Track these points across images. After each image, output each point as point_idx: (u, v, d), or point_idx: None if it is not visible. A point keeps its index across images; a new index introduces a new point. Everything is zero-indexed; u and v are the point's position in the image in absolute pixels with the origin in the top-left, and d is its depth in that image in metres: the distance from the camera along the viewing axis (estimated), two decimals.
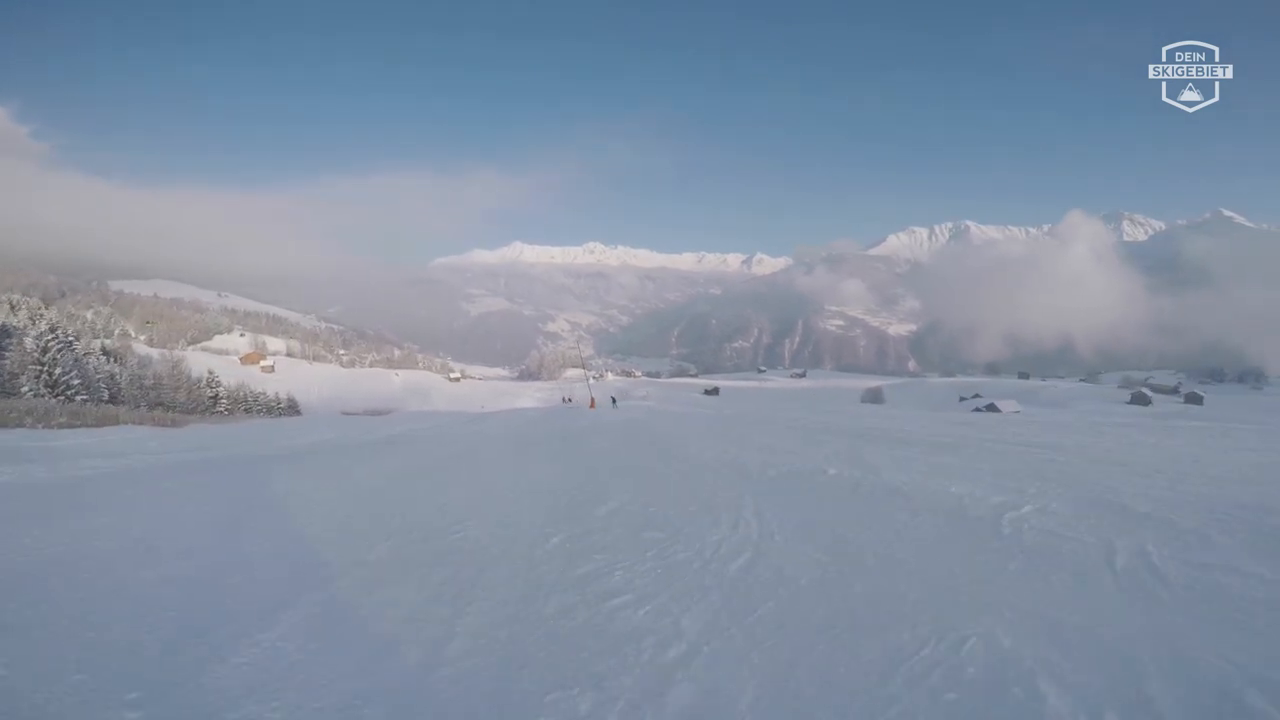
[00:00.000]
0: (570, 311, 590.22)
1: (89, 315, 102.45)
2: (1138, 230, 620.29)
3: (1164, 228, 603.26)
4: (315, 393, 71.44)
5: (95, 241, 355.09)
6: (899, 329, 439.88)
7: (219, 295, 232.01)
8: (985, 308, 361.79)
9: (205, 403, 31.97)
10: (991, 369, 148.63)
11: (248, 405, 37.37)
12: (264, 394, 40.66)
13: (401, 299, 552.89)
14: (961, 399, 61.44)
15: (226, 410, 33.14)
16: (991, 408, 48.58)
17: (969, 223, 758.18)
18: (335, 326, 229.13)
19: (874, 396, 61.21)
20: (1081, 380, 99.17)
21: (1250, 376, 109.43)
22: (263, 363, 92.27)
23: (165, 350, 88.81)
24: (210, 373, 34.97)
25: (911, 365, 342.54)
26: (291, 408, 43.71)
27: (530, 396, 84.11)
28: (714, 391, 77.49)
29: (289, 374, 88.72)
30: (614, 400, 50.23)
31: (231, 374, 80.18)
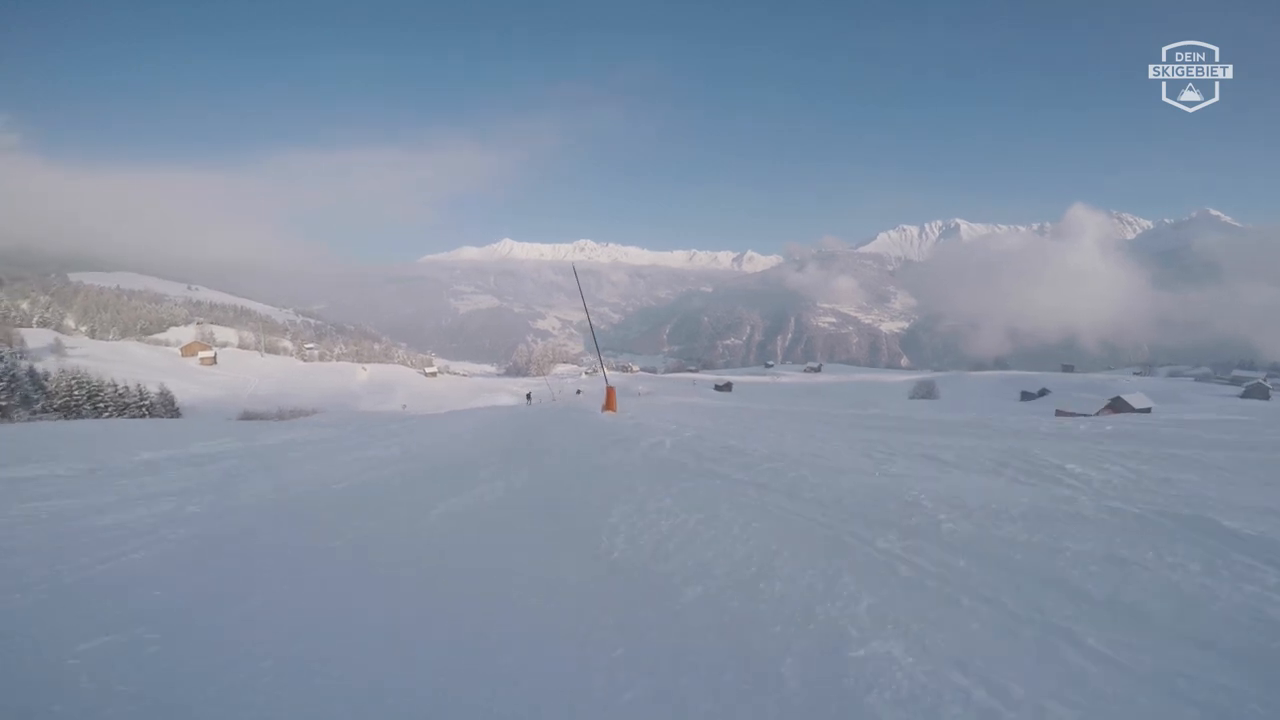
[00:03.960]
0: (560, 309, 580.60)
1: (24, 305, 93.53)
2: (1126, 228, 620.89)
3: (1151, 226, 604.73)
4: (253, 386, 62.67)
5: (63, 233, 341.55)
6: (891, 326, 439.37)
7: (188, 288, 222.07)
8: (984, 303, 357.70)
9: None
10: (1000, 363, 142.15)
11: (71, 400, 28.34)
12: (110, 386, 31.55)
13: (388, 296, 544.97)
14: (1025, 394, 53.37)
15: None
16: (1119, 403, 40.59)
17: (959, 220, 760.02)
18: (311, 321, 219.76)
19: (926, 391, 53.39)
20: (1135, 373, 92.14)
21: None
22: (202, 354, 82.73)
23: (102, 341, 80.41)
24: None
25: (904, 361, 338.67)
26: (166, 405, 34.62)
27: (509, 393, 75.63)
28: (726, 387, 69.10)
29: (233, 366, 79.76)
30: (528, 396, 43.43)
31: (168, 367, 71.43)
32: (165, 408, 33.94)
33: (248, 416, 34.40)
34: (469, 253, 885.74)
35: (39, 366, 31.24)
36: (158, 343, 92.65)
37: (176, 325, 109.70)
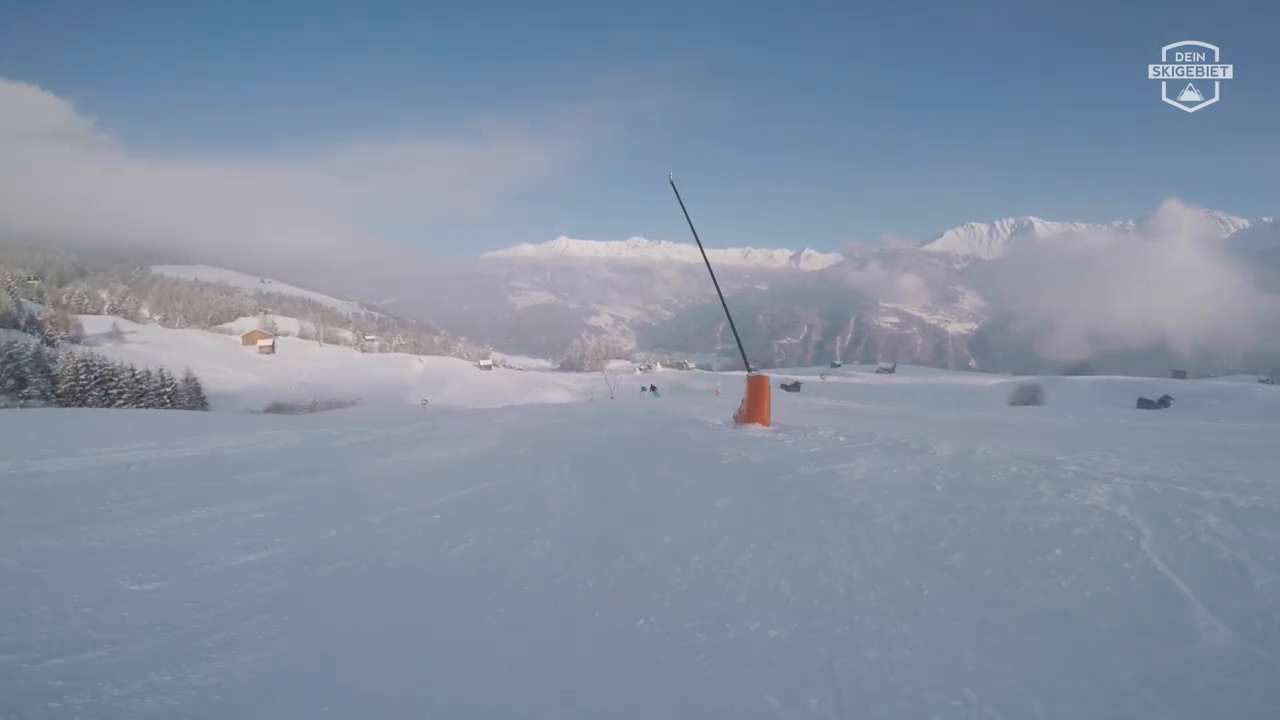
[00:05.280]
0: (614, 305, 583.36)
1: (104, 294, 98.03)
2: (1220, 228, 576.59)
3: (1248, 225, 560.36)
4: (305, 375, 62.46)
5: (147, 227, 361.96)
6: (958, 327, 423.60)
7: (261, 281, 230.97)
8: (1063, 304, 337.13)
9: None
10: (1084, 367, 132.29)
11: (77, 386, 26.64)
12: (128, 372, 29.98)
13: (451, 292, 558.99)
14: (1143, 402, 47.19)
15: None
16: None
17: (1033, 218, 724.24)
18: (375, 314, 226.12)
19: (1030, 397, 47.96)
20: (1262, 380, 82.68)
21: None
22: (261, 342, 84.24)
23: (169, 329, 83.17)
24: None
25: (972, 364, 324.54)
26: (191, 393, 33.02)
27: (563, 389, 73.60)
28: (794, 387, 64.85)
29: (291, 355, 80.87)
30: (653, 388, 34.31)
31: (227, 354, 72.67)
32: (190, 396, 32.65)
33: (277, 408, 32.95)
34: (526, 250, 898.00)
35: (61, 351, 30.67)
36: (225, 332, 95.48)
37: (245, 316, 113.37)
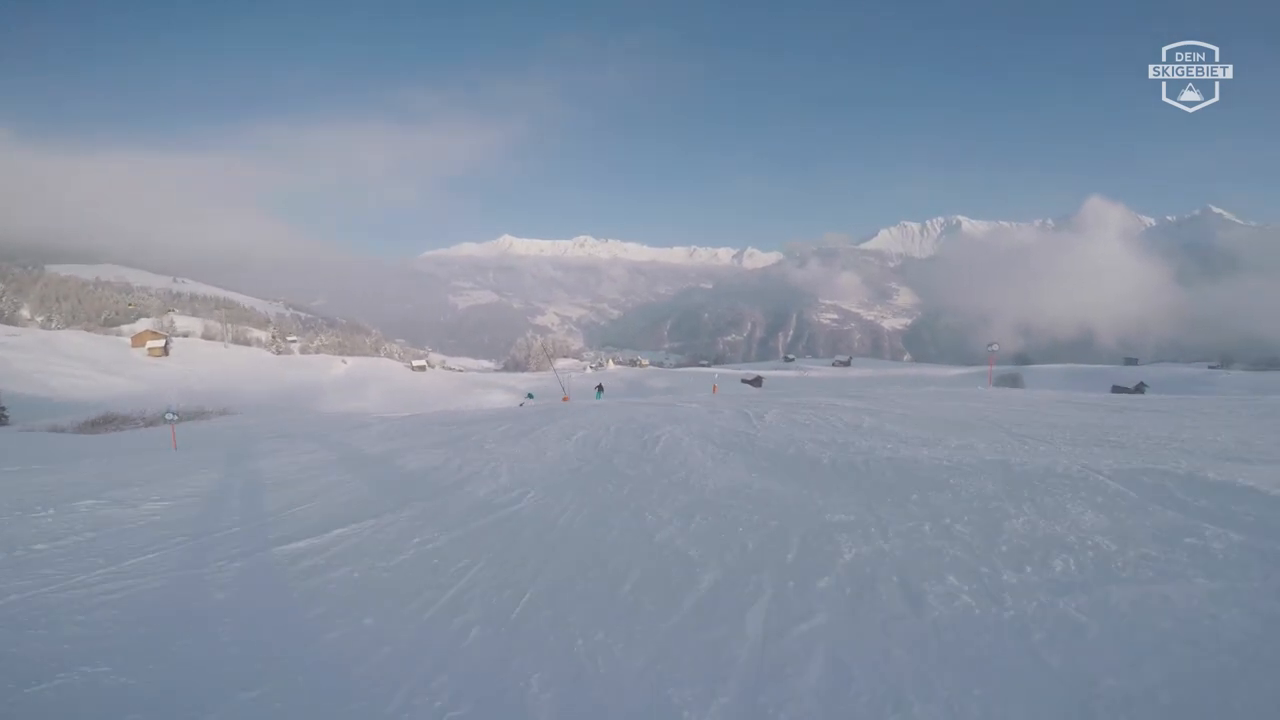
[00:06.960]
0: (560, 305, 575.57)
1: None
2: (1137, 225, 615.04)
3: (1154, 223, 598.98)
4: (195, 380, 55.18)
5: (47, 224, 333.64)
6: (893, 322, 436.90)
7: (174, 280, 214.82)
8: (993, 300, 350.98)
9: None
10: (1022, 359, 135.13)
11: None
12: None
13: (389, 291, 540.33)
14: (1117, 388, 46.46)
15: None
16: None
17: (960, 217, 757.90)
18: (301, 314, 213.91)
19: (1012, 381, 46.64)
20: (1211, 367, 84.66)
21: None
22: (150, 344, 75.06)
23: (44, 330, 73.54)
24: None
25: (907, 358, 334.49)
26: None
27: (505, 389, 68.12)
28: (756, 382, 61.46)
29: (186, 357, 72.36)
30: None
31: (105, 357, 64.26)
32: None
33: (107, 420, 26.81)
34: (469, 249, 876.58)
35: None
36: (114, 332, 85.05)
37: (149, 316, 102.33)
